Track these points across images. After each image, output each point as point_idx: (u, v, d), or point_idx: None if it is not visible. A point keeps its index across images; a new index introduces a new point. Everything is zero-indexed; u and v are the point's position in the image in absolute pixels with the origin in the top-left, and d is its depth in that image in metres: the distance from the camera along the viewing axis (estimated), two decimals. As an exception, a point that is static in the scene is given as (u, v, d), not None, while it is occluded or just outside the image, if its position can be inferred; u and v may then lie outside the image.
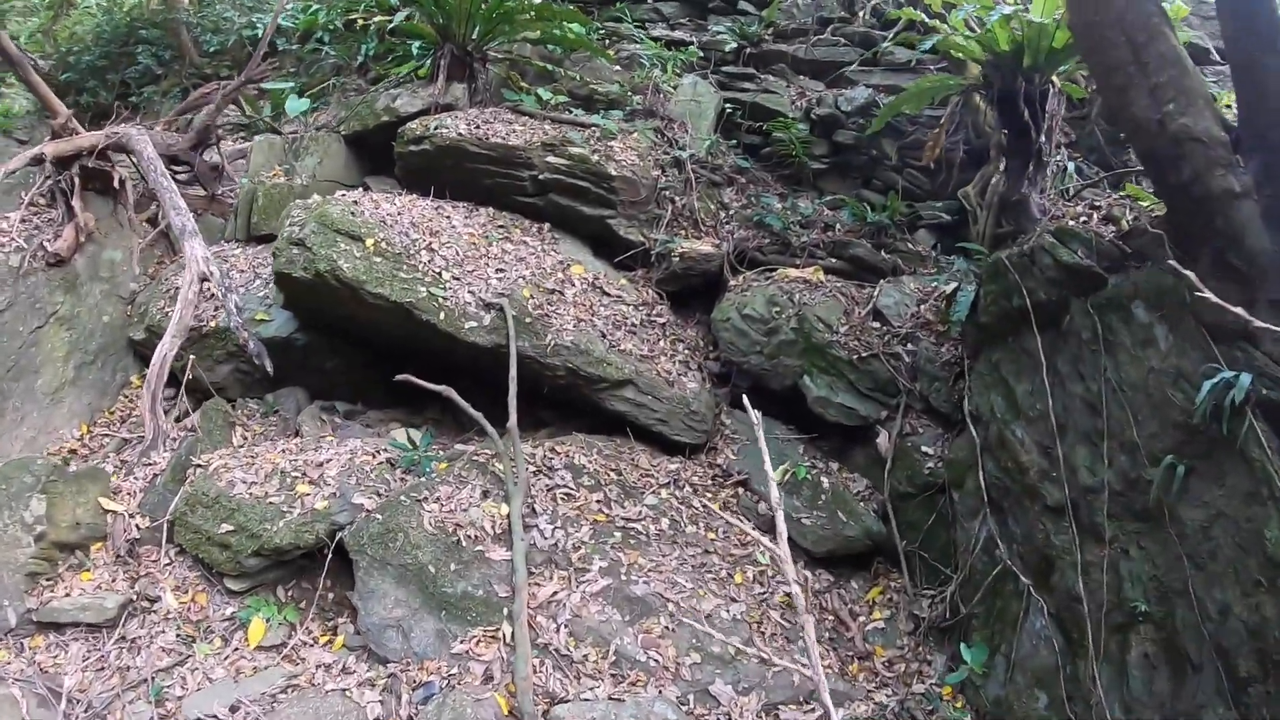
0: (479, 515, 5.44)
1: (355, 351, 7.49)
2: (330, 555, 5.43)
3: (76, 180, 8.22)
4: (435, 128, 8.02)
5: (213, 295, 7.33)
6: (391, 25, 10.01)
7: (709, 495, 6.45)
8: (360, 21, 11.02)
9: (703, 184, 8.75)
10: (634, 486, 6.19)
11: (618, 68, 10.15)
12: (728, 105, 9.63)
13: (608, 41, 10.70)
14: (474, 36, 9.22)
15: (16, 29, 17.39)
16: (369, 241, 6.60)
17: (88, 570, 5.74)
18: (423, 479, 5.78)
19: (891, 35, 9.75)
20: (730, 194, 9.07)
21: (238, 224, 9.01)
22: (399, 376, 6.38)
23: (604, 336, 6.91)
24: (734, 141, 9.56)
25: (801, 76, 10.36)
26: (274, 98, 10.92)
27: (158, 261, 8.97)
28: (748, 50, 10.55)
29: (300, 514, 5.54)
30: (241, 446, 6.50)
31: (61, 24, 16.74)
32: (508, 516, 5.40)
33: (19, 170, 8.15)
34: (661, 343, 7.34)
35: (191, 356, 7.30)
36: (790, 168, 9.38)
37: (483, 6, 8.86)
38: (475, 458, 5.98)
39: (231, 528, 5.54)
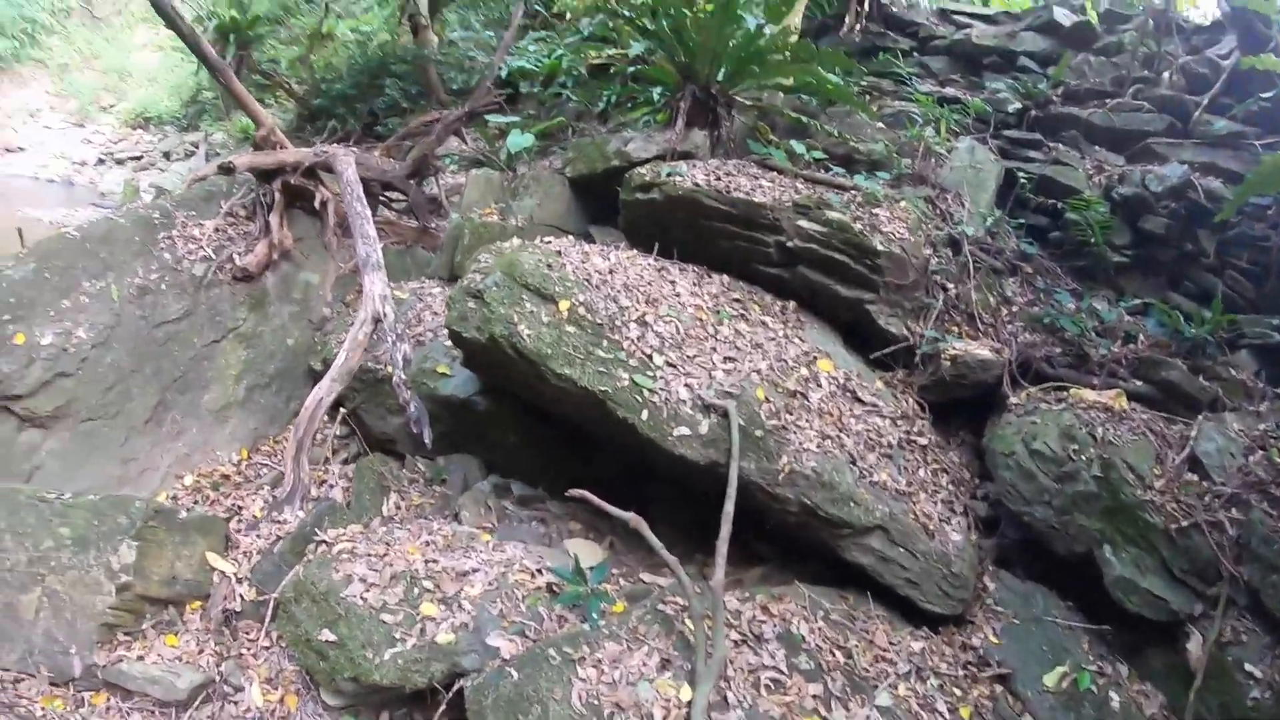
0: (649, 697, 3.97)
1: (542, 428, 6.26)
2: (447, 702, 4.21)
3: (278, 196, 7.71)
4: (667, 174, 6.73)
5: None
6: (633, 70, 9.22)
7: (957, 692, 4.72)
8: (599, 61, 10.45)
9: (982, 270, 7.02)
10: (864, 676, 4.53)
11: (880, 125, 8.70)
12: (1019, 176, 7.88)
13: (870, 96, 9.35)
14: (719, 78, 8.06)
15: (278, 55, 18.42)
16: (563, 305, 5.31)
17: (175, 634, 4.91)
18: (586, 625, 4.39)
19: (1206, 99, 8.01)
20: (1013, 285, 7.28)
21: (442, 260, 8.33)
22: (573, 492, 4.97)
23: (853, 462, 5.28)
24: (1019, 220, 7.81)
25: (1097, 147, 8.47)
26: (485, 135, 10.40)
27: (357, 290, 8.35)
28: (1032, 113, 8.83)
29: (416, 645, 4.32)
30: (382, 526, 5.42)
31: (318, 54, 17.58)
32: (688, 708, 3.90)
33: (210, 178, 7.75)
34: (921, 472, 5.65)
35: (360, 400, 6.63)
36: (1084, 258, 7.55)
37: (730, 44, 7.67)
38: (661, 605, 4.54)
39: (333, 638, 4.42)
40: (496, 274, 5.42)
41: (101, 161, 21.73)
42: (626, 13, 8.82)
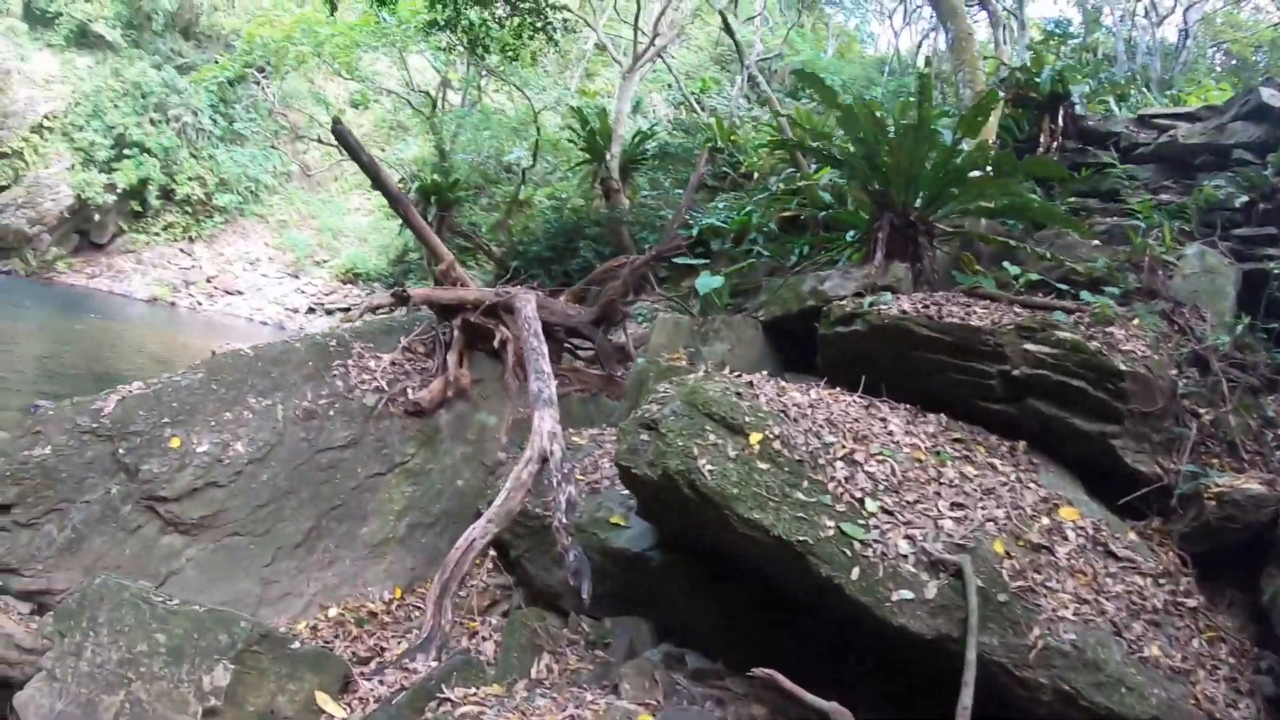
0: None
1: (724, 588, 5.27)
2: None
3: (457, 333, 7.47)
4: (870, 304, 5.98)
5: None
6: (824, 216, 8.73)
7: None
8: (789, 214, 10.10)
9: (1237, 390, 5.82)
10: None
11: (1095, 242, 7.74)
12: (1264, 275, 6.77)
13: (1079, 215, 8.36)
14: (917, 204, 7.37)
15: (478, 220, 19.37)
16: (754, 437, 4.44)
17: (258, 773, 4.27)
18: None
19: None
20: (1273, 404, 5.97)
21: (625, 407, 7.70)
22: (758, 671, 4.06)
23: (1118, 634, 4.06)
24: (1270, 326, 6.56)
25: (1343, 230, 7.22)
26: (674, 287, 10.03)
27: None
28: (1260, 206, 7.61)
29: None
30: (525, 690, 4.48)
31: (516, 219, 18.33)
32: None
33: (392, 313, 7.61)
34: (1195, 643, 4.32)
35: (525, 548, 6.02)
36: (1348, 367, 6.31)
37: (926, 164, 7.01)
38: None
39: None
40: (676, 402, 4.66)
41: (312, 310, 23.58)
42: (814, 144, 8.38)
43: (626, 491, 5.58)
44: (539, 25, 15.22)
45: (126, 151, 24.92)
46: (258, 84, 27.45)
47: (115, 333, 18.70)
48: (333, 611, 6.04)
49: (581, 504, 5.72)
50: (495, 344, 7.47)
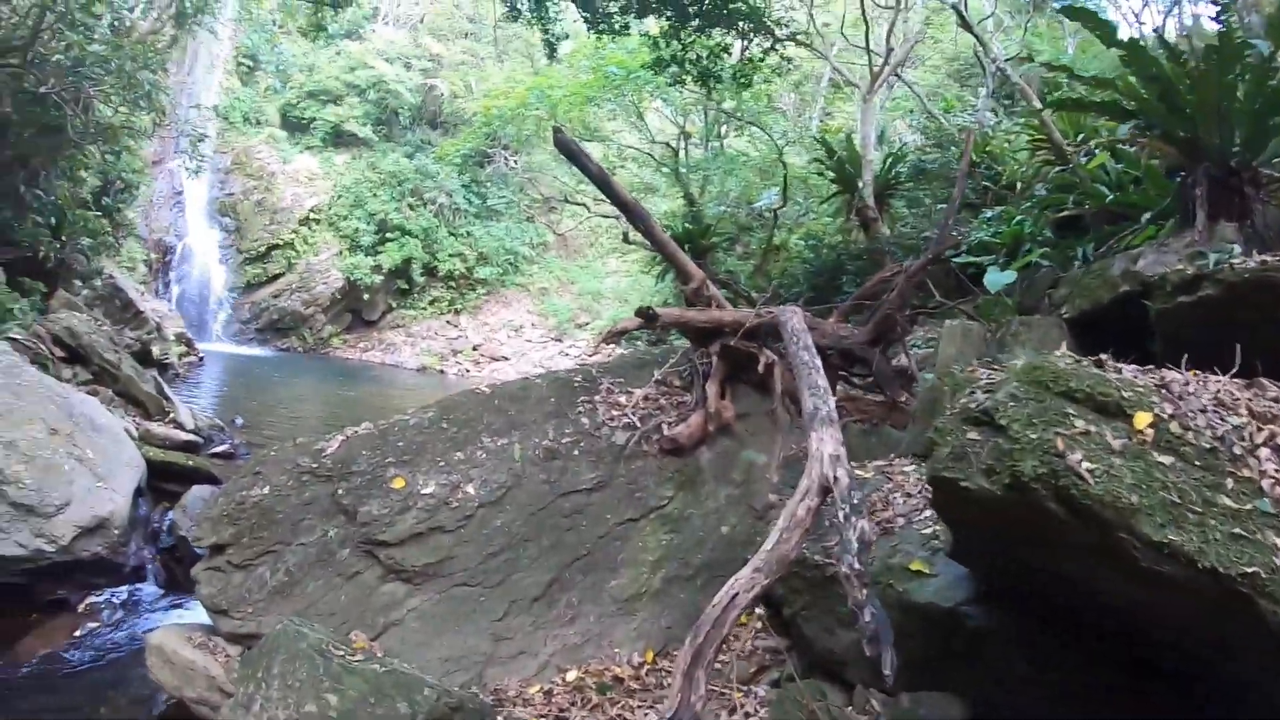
0: None
1: (1071, 654, 3.73)
2: None
3: (716, 361, 6.52)
4: (1216, 262, 4.58)
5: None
6: (1111, 200, 7.28)
7: None
8: (1067, 214, 8.77)
9: None
10: None
11: None
12: None
13: None
14: (1234, 147, 5.84)
15: (735, 269, 18.68)
16: (1141, 419, 3.02)
17: None
18: None
19: None
20: None
21: (914, 433, 6.45)
22: None
23: None
24: None
25: None
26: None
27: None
28: None
29: None
30: None
31: (773, 263, 17.48)
32: None
33: (629, 334, 6.84)
34: None
35: (801, 604, 4.89)
36: None
37: (1238, 95, 5.56)
38: None
39: None
40: (1013, 384, 3.31)
41: None
42: (1098, 98, 6.89)
43: (929, 531, 4.40)
44: (766, 48, 14.61)
45: (389, 235, 26.72)
46: (504, 160, 28.75)
47: (385, 397, 19.57)
48: (571, 675, 5.20)
49: (873, 541, 4.56)
50: (760, 369, 6.43)
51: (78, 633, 6.35)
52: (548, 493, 5.52)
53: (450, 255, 27.99)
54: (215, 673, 4.86)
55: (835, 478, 4.40)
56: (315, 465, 5.26)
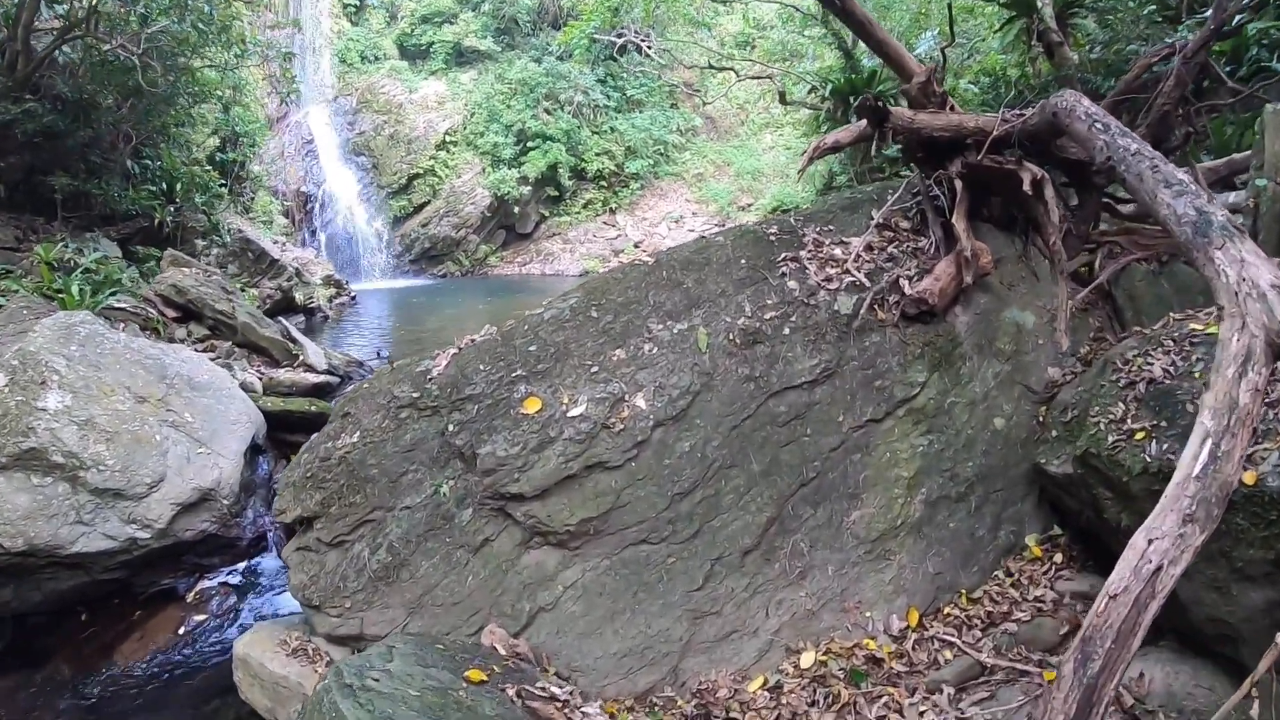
0: None
1: None
2: None
3: (959, 186, 4.55)
4: None
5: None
6: None
7: None
8: None
9: None
10: None
11: None
12: None
13: None
14: None
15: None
16: None
17: None
18: None
19: None
20: None
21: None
22: None
23: None
24: None
25: None
26: None
27: (1096, 335, 4.88)
28: None
29: None
30: None
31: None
32: None
33: (829, 162, 5.07)
34: None
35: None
36: None
37: None
38: None
39: None
40: None
41: None
42: None
43: None
44: None
45: (529, 144, 25.27)
46: (636, 46, 26.79)
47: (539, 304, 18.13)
48: (808, 658, 3.63)
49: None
50: (1027, 187, 4.30)
51: (182, 629, 5.14)
52: (752, 394, 3.75)
53: (596, 154, 26.60)
54: (305, 683, 3.53)
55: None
56: (417, 394, 3.63)
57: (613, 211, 26.48)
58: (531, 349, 3.59)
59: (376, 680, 2.52)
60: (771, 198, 23.13)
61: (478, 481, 3.38)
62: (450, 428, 3.44)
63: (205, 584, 5.52)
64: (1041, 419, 4.29)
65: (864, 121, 4.69)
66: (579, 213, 26.41)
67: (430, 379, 3.59)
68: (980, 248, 4.41)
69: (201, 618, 5.19)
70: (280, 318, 11.54)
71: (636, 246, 24.55)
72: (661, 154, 27.35)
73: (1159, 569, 2.05)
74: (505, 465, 3.33)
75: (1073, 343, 4.61)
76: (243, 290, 11.14)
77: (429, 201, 23.99)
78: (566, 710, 2.87)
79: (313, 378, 8.52)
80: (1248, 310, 2.29)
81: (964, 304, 4.39)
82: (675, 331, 3.77)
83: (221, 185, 12.32)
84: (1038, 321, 4.64)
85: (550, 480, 3.33)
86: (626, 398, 3.49)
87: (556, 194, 26.11)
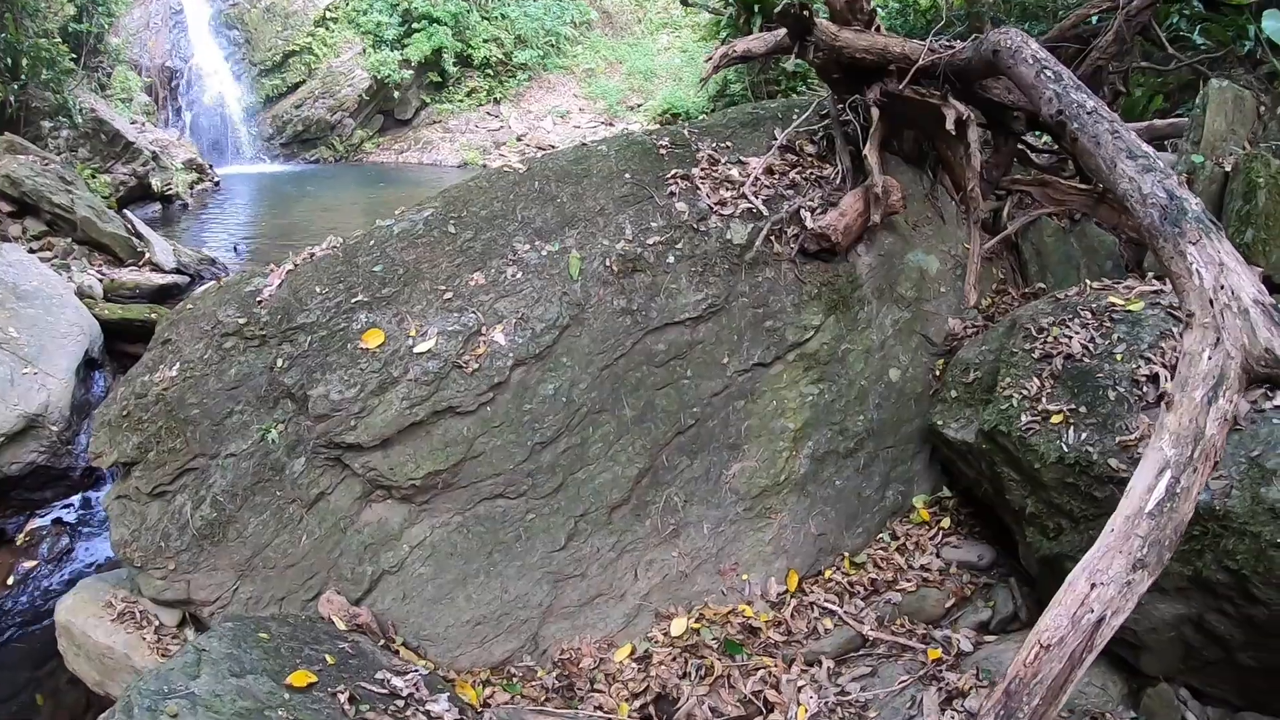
0: None
1: None
2: None
3: (875, 115, 4.17)
4: None
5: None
6: None
7: None
8: None
9: None
10: None
11: None
12: None
13: None
14: None
15: None
16: None
17: None
18: None
19: None
20: None
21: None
22: None
23: None
24: None
25: None
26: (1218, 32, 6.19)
27: (998, 288, 4.69)
28: None
29: None
30: None
31: None
32: None
33: (724, 71, 4.76)
34: None
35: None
36: None
37: None
38: None
39: None
40: None
41: None
42: None
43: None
44: None
45: (415, 25, 23.94)
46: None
47: (418, 198, 17.32)
48: (679, 625, 3.37)
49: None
50: (949, 126, 3.98)
51: (11, 579, 4.62)
52: (628, 329, 3.36)
53: (484, 41, 25.23)
54: (140, 662, 3.12)
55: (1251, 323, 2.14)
56: (244, 320, 3.11)
57: (497, 102, 25.38)
58: (376, 269, 3.12)
59: (175, 714, 2.13)
60: (662, 99, 22.41)
61: (310, 427, 2.94)
62: (280, 362, 2.97)
63: (36, 523, 4.96)
64: (939, 373, 4.06)
65: (781, 31, 4.27)
66: (462, 101, 25.19)
67: (260, 301, 3.10)
68: (891, 184, 4.08)
69: (31, 564, 4.68)
70: (132, 207, 10.67)
71: (519, 140, 23.59)
72: (553, 45, 26.26)
73: (1100, 620, 1.79)
74: (340, 410, 2.89)
75: (983, 289, 4.41)
76: (93, 176, 10.16)
77: (304, 81, 22.51)
78: (409, 711, 2.53)
79: (159, 278, 7.89)
80: (1224, 324, 2.00)
81: (868, 243, 4.08)
82: (544, 254, 3.35)
83: (72, 60, 11.17)
84: (941, 268, 4.38)
85: (392, 429, 2.91)
86: (484, 331, 3.07)
87: (439, 80, 24.81)
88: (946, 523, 3.84)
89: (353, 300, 3.02)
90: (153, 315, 6.66)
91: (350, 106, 23.20)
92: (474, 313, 3.09)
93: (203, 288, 3.42)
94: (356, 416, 2.88)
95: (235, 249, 10.25)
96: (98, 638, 3.21)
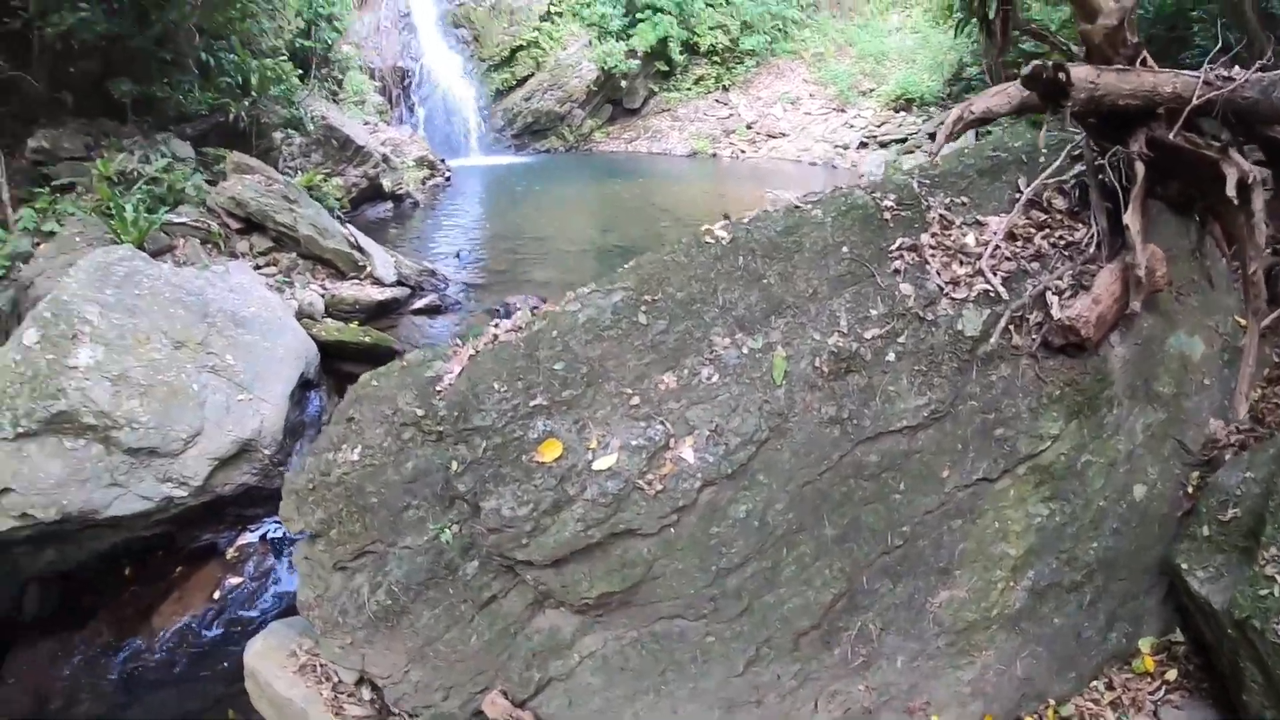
0: None
1: None
2: None
3: (1140, 174, 3.47)
4: None
5: None
6: None
7: None
8: None
9: None
10: None
11: None
12: None
13: None
14: None
15: (1044, 17, 14.61)
16: None
17: None
18: None
19: None
20: None
21: None
22: None
23: None
24: None
25: None
26: None
27: (1271, 376, 3.97)
28: None
29: None
30: None
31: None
32: None
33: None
34: None
35: None
36: None
37: None
38: None
39: None
40: None
41: (864, 145, 20.99)
42: None
43: None
44: None
45: (639, 15, 24.09)
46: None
47: (652, 190, 17.43)
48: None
49: None
50: (1230, 190, 3.31)
51: (217, 594, 4.85)
52: (836, 441, 2.98)
53: (710, 28, 25.00)
54: (316, 717, 3.17)
55: None
56: (422, 412, 2.99)
57: (725, 89, 25.04)
58: (558, 367, 2.91)
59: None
60: (895, 83, 21.76)
61: (484, 534, 2.83)
62: (455, 466, 2.82)
63: (247, 538, 5.29)
64: (1191, 490, 3.50)
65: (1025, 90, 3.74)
66: (689, 89, 25.02)
67: (438, 391, 2.97)
68: (1156, 257, 3.47)
69: (237, 580, 4.98)
70: (365, 207, 11.52)
71: (749, 128, 23.12)
72: (780, 30, 25.54)
73: None
74: (512, 527, 2.71)
75: (1252, 375, 3.79)
76: (326, 179, 10.67)
77: (532, 75, 23.05)
78: None
79: (378, 293, 8.18)
80: None
81: (1123, 330, 3.50)
82: (745, 350, 3.02)
83: (299, 74, 11.80)
84: (1207, 351, 3.74)
85: (565, 550, 2.70)
86: (671, 444, 2.80)
87: (666, 69, 24.78)
88: (1173, 675, 3.28)
89: (531, 403, 2.82)
90: (366, 338, 6.89)
91: (578, 97, 23.64)
92: (661, 423, 2.82)
93: (387, 366, 3.35)
94: (529, 535, 2.70)
95: (458, 255, 10.51)
96: (279, 689, 3.32)
